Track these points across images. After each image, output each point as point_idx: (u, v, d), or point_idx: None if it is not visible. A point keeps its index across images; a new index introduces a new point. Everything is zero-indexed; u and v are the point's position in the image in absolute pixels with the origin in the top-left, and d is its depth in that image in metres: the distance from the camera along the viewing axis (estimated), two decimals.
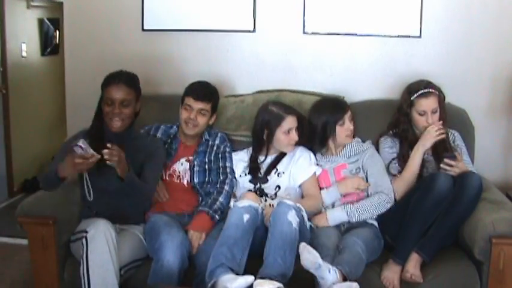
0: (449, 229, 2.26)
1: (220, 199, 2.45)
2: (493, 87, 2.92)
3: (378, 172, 2.50)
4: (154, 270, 2.14)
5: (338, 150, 2.60)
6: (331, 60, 2.99)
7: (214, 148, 2.61)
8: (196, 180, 2.53)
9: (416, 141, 2.50)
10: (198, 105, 2.50)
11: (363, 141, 2.62)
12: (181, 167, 2.56)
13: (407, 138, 2.54)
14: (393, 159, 2.52)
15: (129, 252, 2.24)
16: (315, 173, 2.56)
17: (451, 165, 2.35)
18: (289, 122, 2.51)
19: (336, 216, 2.43)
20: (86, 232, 2.09)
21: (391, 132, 2.62)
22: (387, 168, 2.51)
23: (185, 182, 2.55)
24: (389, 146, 2.56)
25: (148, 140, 2.53)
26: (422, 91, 2.48)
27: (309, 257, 2.01)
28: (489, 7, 2.84)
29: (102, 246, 2.06)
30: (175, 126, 2.65)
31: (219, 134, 2.66)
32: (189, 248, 2.24)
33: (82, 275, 2.05)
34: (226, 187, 2.51)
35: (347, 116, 2.54)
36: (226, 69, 3.04)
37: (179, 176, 2.55)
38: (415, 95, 2.49)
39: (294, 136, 2.52)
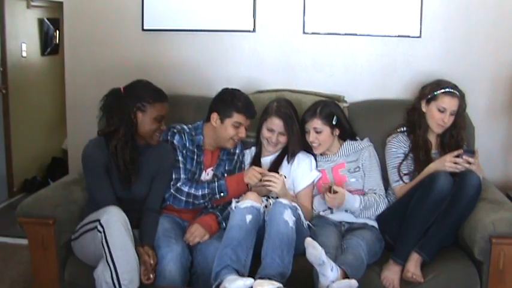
0: (449, 229, 2.26)
1: (229, 209, 2.39)
2: (493, 87, 2.92)
3: (373, 177, 2.51)
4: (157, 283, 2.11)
5: (335, 150, 2.59)
6: (331, 60, 2.99)
7: (235, 158, 2.57)
8: None
9: (425, 133, 2.51)
10: (247, 122, 2.48)
11: (361, 140, 2.63)
12: (207, 177, 2.51)
13: (420, 127, 2.51)
14: (402, 161, 2.49)
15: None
16: (313, 181, 2.56)
17: (469, 163, 2.30)
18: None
19: (351, 197, 2.40)
20: (99, 220, 2.05)
21: (401, 129, 2.58)
22: (397, 170, 2.49)
23: None
24: (397, 147, 2.53)
25: (161, 150, 2.40)
26: (450, 89, 2.47)
27: (314, 252, 2.00)
28: (489, 7, 2.84)
29: (119, 228, 2.03)
30: (201, 136, 2.49)
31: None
32: (189, 258, 2.21)
33: (106, 262, 2.00)
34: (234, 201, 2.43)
35: (310, 126, 2.52)
36: (226, 69, 3.04)
37: None
38: (442, 90, 2.47)
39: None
